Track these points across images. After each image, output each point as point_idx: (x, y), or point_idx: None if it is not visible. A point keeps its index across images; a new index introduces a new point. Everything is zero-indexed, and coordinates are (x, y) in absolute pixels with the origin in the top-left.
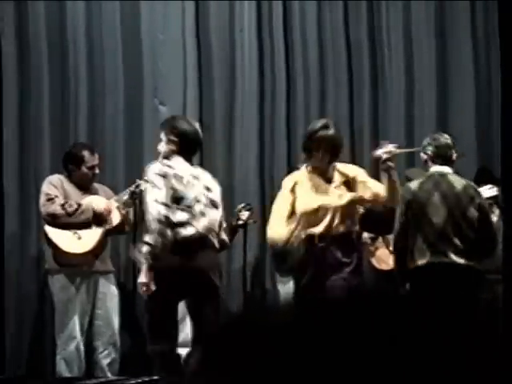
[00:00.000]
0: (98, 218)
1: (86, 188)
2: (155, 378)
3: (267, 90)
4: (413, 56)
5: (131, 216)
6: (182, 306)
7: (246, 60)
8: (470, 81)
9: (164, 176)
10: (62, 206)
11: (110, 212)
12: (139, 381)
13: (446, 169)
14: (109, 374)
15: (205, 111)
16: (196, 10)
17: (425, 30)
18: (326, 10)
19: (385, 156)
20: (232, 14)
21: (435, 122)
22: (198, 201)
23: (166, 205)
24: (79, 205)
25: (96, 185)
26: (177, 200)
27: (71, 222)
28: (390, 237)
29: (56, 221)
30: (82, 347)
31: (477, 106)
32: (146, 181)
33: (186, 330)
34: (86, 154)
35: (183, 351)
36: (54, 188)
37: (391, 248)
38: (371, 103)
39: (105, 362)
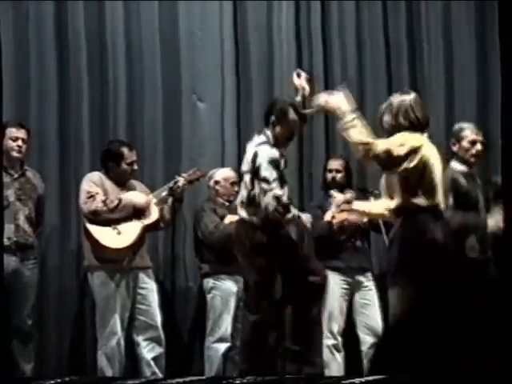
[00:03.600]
0: (138, 213)
1: (123, 184)
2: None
3: None
4: (453, 56)
5: (166, 212)
6: (219, 301)
7: (284, 57)
8: None
9: None
10: (104, 202)
11: (149, 206)
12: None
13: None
14: (156, 369)
15: (242, 108)
16: (234, 7)
17: (465, 30)
18: (364, 9)
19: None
20: (270, 12)
21: (476, 122)
22: None
23: None
24: (120, 200)
25: (133, 181)
26: None
27: (113, 217)
28: None
29: (98, 217)
30: (122, 343)
31: None
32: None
33: (224, 326)
34: (125, 150)
35: (222, 346)
36: (95, 185)
37: None
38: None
39: (149, 356)
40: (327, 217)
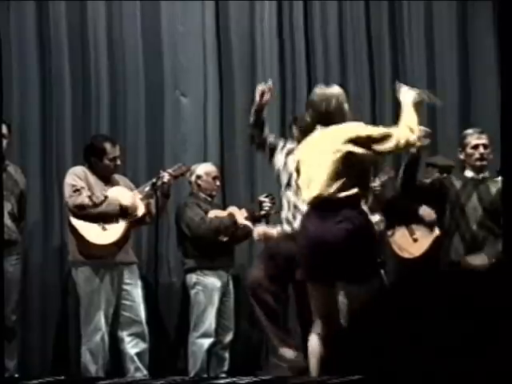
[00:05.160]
0: (124, 212)
1: (107, 179)
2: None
3: (288, 84)
4: (434, 51)
5: (152, 207)
6: (202, 296)
7: (266, 52)
8: (493, 79)
9: None
10: (89, 197)
11: (136, 208)
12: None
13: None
14: (139, 365)
15: (225, 102)
16: (216, 2)
17: (446, 25)
18: (346, 6)
19: None
20: (252, 7)
21: (457, 116)
22: None
23: None
24: (106, 197)
25: (117, 176)
26: None
27: (98, 213)
28: (415, 226)
29: (83, 212)
30: (106, 338)
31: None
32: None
33: (208, 321)
34: (107, 145)
35: (206, 341)
36: (79, 179)
37: (415, 236)
38: (393, 101)
39: (133, 352)
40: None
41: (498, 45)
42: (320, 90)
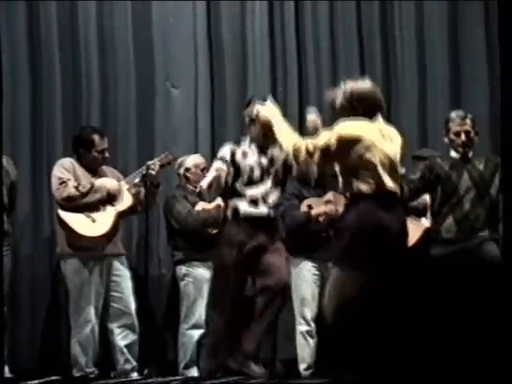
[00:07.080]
0: (112, 197)
1: (95, 171)
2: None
3: (279, 83)
4: (425, 51)
5: (142, 196)
6: (192, 288)
7: (257, 43)
8: (484, 79)
9: None
10: (76, 187)
11: (119, 191)
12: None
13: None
14: (129, 357)
15: (216, 94)
16: (207, 2)
17: (437, 24)
18: (337, 6)
19: None
20: (243, 5)
21: (448, 108)
22: None
23: None
24: (92, 184)
25: (105, 167)
26: None
27: (86, 202)
28: None
29: (72, 203)
30: (96, 330)
31: (490, 94)
32: None
33: (197, 312)
34: (95, 137)
35: (196, 333)
36: (66, 171)
37: None
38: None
39: (123, 343)
40: (304, 207)
41: (498, 44)
42: (366, 82)
